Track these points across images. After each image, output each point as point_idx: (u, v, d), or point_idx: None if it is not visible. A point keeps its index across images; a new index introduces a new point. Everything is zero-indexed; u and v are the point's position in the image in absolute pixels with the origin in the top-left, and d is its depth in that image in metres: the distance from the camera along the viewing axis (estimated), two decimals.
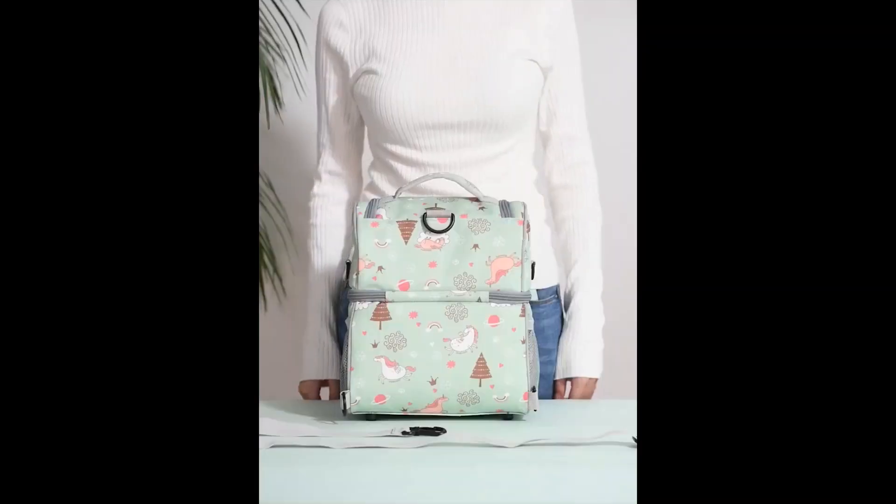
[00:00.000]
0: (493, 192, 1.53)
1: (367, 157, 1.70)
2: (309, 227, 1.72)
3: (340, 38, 1.62)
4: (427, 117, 1.55)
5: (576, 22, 1.65)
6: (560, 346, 1.66)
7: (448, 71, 1.56)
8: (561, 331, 1.67)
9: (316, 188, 1.71)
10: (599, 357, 1.65)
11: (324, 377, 1.67)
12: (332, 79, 1.65)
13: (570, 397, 1.64)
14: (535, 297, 1.41)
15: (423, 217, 1.39)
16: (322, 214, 1.70)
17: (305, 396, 1.69)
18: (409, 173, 1.58)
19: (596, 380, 1.65)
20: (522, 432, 1.30)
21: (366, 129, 1.68)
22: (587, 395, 1.64)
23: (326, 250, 1.68)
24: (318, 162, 1.71)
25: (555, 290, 1.67)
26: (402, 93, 1.55)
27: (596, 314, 1.66)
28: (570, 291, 1.68)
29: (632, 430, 1.25)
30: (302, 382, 1.69)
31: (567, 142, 1.66)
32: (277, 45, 2.28)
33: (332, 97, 1.66)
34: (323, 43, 1.64)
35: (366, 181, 1.69)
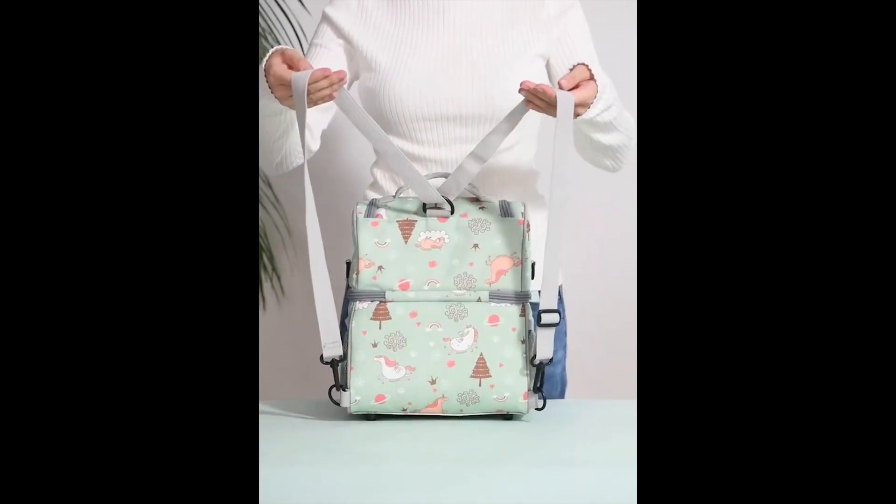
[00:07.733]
0: (495, 187, 1.53)
1: (371, 156, 1.70)
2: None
3: (344, 17, 1.63)
4: (428, 109, 1.57)
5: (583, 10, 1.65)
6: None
7: (451, 67, 1.58)
8: (563, 329, 1.66)
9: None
10: (601, 91, 1.43)
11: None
12: (326, 44, 1.64)
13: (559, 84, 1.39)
14: (535, 299, 1.41)
15: (423, 207, 1.39)
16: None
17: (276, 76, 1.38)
18: None
19: (594, 94, 1.40)
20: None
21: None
22: (572, 96, 1.36)
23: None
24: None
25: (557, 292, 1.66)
26: (403, 85, 1.57)
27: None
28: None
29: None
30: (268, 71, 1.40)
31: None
32: (278, 42, 2.28)
33: (322, 62, 1.62)
34: (325, 17, 1.65)
35: (368, 180, 1.69)
